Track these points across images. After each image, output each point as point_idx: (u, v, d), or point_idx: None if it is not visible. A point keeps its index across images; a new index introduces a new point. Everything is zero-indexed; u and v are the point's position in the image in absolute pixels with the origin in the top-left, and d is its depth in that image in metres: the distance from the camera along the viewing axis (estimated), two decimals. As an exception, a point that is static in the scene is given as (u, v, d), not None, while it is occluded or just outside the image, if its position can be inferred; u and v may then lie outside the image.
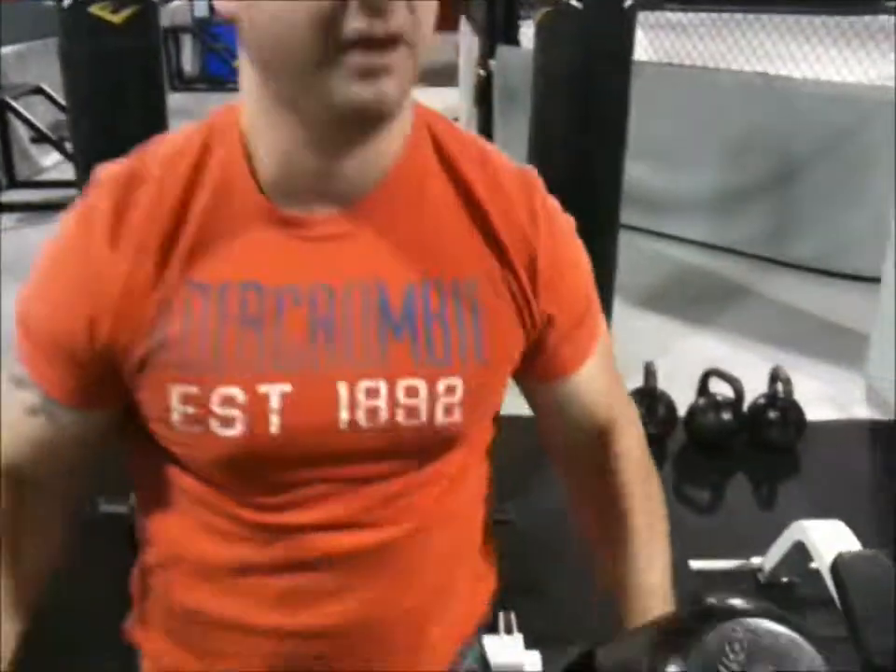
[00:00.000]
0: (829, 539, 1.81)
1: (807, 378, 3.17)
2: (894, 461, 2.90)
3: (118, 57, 2.84)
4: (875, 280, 3.36)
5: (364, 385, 0.80)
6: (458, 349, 0.83)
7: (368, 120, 0.75)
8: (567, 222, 0.90)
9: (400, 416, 0.82)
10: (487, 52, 5.60)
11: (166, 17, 7.97)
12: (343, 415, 0.80)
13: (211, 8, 8.82)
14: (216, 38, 9.37)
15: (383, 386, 0.81)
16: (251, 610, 0.87)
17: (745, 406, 2.84)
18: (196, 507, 0.87)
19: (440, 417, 0.83)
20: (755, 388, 2.88)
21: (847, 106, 4.27)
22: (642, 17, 6.30)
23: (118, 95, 2.89)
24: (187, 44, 9.74)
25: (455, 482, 0.90)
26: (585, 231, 0.92)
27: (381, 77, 0.71)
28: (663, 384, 2.85)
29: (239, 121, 0.81)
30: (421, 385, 0.82)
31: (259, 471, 0.83)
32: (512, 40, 5.41)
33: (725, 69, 4.77)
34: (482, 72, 5.66)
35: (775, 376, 2.85)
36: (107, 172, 0.82)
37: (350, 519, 0.84)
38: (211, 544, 0.87)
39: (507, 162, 0.88)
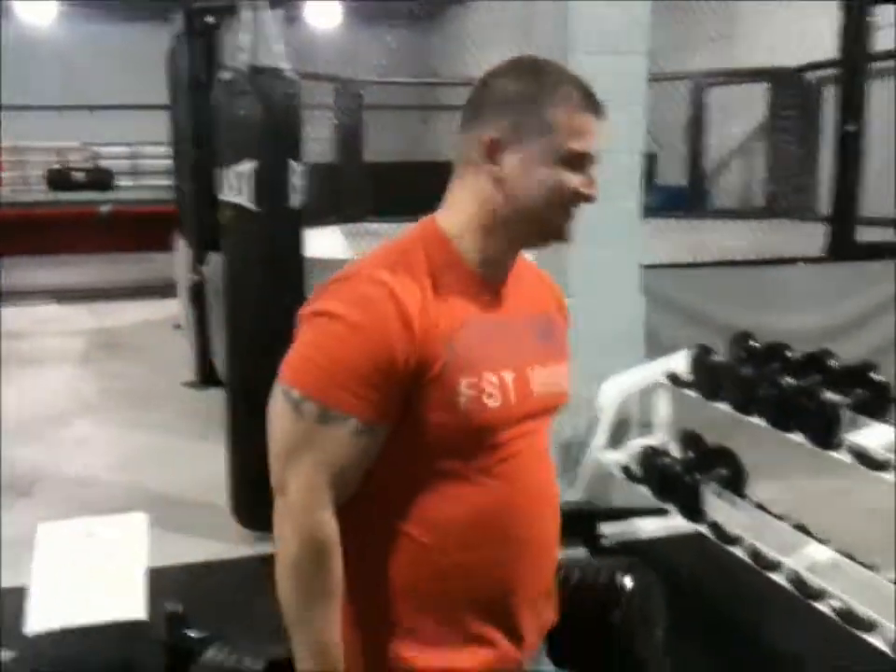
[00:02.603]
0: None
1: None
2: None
3: None
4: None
5: (539, 370, 1.38)
6: (563, 347, 1.47)
7: (566, 239, 1.40)
8: None
9: (554, 387, 1.41)
10: (199, 259, 6.22)
11: None
12: (535, 388, 1.37)
13: None
14: None
15: (545, 371, 1.39)
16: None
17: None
18: (448, 478, 1.32)
19: (565, 385, 1.45)
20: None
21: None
22: (347, 227, 7.36)
23: None
24: None
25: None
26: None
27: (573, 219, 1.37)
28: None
29: (441, 232, 1.36)
30: (561, 368, 1.44)
31: (501, 429, 1.32)
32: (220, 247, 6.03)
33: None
34: (195, 277, 6.27)
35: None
36: (370, 270, 1.30)
37: (530, 453, 1.38)
38: (463, 491, 1.32)
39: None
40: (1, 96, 14.65)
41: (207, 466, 4.09)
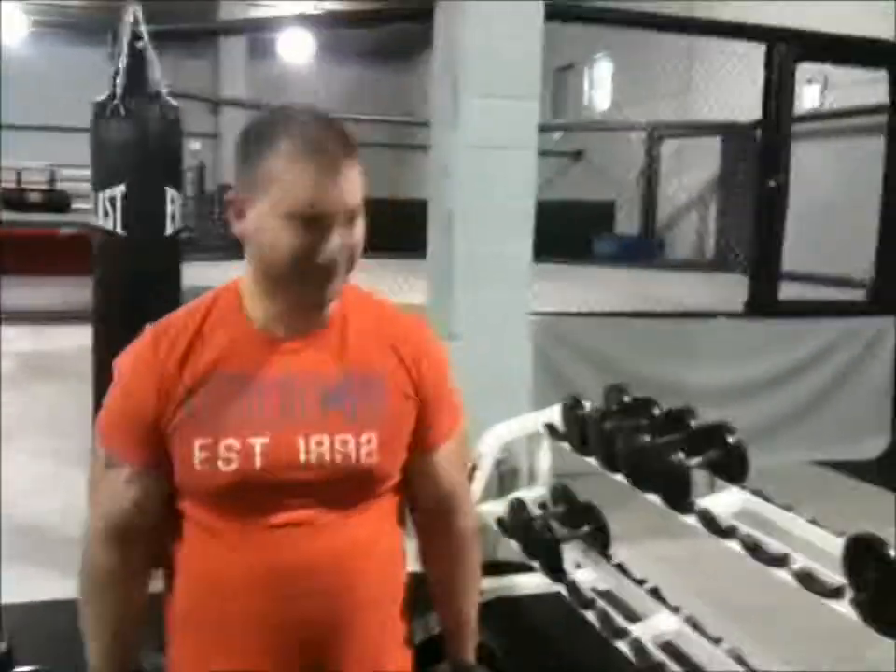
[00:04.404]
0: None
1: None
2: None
3: None
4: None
5: (314, 438, 1.28)
6: (372, 414, 1.31)
7: (318, 307, 1.30)
8: (439, 350, 1.44)
9: (338, 458, 1.29)
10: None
11: None
12: (302, 458, 1.28)
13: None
14: None
15: (326, 439, 1.28)
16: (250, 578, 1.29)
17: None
18: (204, 531, 1.31)
19: (363, 458, 1.30)
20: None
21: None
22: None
23: None
24: None
25: (375, 530, 1.35)
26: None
27: (327, 287, 1.26)
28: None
29: (238, 289, 1.34)
30: (350, 438, 1.29)
31: (248, 495, 1.27)
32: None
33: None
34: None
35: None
36: (151, 328, 1.33)
37: (305, 524, 1.29)
38: (217, 549, 1.30)
39: (400, 313, 1.43)
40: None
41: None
